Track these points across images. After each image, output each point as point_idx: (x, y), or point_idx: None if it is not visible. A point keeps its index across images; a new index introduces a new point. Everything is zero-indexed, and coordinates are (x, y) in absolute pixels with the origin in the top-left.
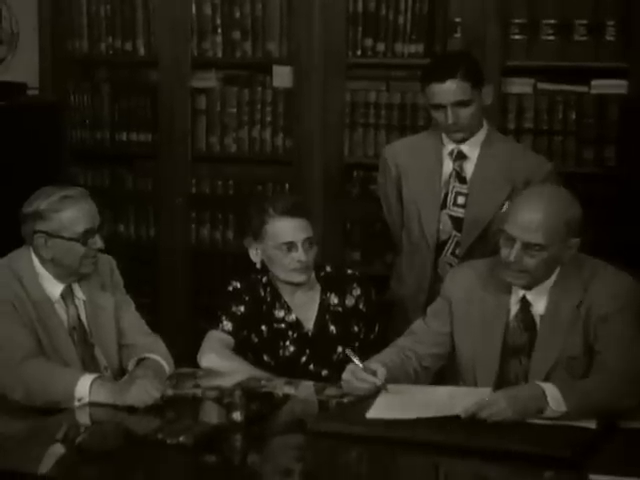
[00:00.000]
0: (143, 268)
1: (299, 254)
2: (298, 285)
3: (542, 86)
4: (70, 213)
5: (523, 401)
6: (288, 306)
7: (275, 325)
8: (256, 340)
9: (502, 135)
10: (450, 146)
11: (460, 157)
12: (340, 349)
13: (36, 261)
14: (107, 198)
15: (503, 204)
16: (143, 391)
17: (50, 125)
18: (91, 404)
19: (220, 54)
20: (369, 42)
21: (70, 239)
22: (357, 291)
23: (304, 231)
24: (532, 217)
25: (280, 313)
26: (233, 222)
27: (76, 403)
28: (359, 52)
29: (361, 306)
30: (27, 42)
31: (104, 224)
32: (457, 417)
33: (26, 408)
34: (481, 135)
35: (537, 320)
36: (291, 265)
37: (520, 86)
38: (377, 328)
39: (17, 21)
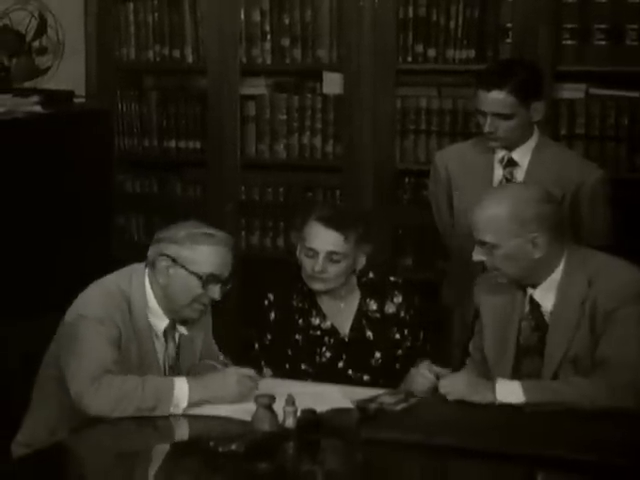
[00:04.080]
0: None
1: (317, 264)
2: (326, 292)
3: (594, 91)
4: (205, 250)
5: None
6: (323, 314)
7: (311, 332)
8: (291, 351)
9: (553, 141)
10: (501, 153)
11: (510, 164)
12: (378, 354)
13: (149, 292)
14: (156, 205)
15: None
16: (235, 381)
17: (98, 133)
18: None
19: (269, 61)
20: (420, 48)
21: (192, 273)
22: (399, 298)
23: (331, 244)
24: (477, 217)
25: (316, 321)
26: (283, 229)
27: (171, 409)
28: (410, 58)
29: (403, 314)
30: (73, 50)
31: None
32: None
33: None
34: (532, 142)
35: (547, 318)
36: (309, 271)
37: (572, 91)
38: (422, 335)
39: (63, 29)
